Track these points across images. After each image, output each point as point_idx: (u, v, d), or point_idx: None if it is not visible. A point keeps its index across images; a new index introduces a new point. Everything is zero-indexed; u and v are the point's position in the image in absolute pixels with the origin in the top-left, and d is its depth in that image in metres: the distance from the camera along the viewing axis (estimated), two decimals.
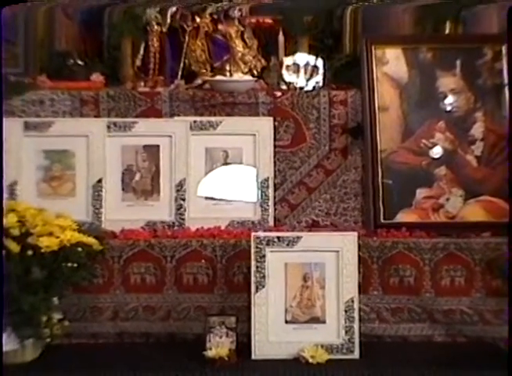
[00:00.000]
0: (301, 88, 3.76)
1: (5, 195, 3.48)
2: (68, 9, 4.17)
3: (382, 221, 3.55)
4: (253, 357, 3.19)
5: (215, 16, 3.97)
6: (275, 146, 3.66)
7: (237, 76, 3.84)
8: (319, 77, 3.80)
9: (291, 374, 3.10)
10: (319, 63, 3.82)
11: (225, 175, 3.65)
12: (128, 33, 3.97)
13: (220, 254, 3.39)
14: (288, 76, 3.79)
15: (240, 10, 3.96)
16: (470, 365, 3.13)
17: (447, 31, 3.93)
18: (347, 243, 3.26)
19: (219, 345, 3.16)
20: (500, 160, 3.58)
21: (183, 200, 3.59)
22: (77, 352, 3.27)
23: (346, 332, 3.22)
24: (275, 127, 3.67)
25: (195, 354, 3.17)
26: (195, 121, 3.64)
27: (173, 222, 3.57)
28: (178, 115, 3.70)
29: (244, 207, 3.63)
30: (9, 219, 3.09)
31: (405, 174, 3.60)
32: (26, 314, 3.07)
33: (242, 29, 3.95)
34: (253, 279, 3.23)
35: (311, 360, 3.14)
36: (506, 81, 3.63)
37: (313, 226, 3.64)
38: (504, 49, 3.64)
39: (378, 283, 3.40)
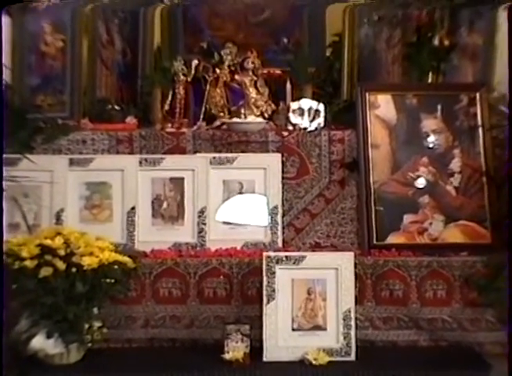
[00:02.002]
0: (305, 129, 3.77)
1: (52, 221, 3.55)
2: (108, 61, 4.21)
3: (375, 242, 3.54)
4: (264, 359, 3.20)
5: (232, 68, 4.01)
6: (282, 178, 3.66)
7: (251, 118, 3.89)
8: (320, 120, 3.80)
9: (297, 374, 3.12)
10: (321, 107, 3.82)
11: (240, 203, 3.66)
12: (158, 82, 3.99)
13: (236, 271, 3.40)
14: (294, 118, 3.79)
15: (254, 63, 4.00)
16: (450, 365, 3.16)
17: (429, 80, 3.93)
18: (345, 261, 3.27)
19: (235, 349, 3.17)
20: (475, 190, 3.59)
21: (204, 224, 3.59)
22: (114, 355, 3.28)
23: (344, 338, 3.22)
24: (282, 162, 3.67)
25: (215, 357, 3.18)
26: (214, 157, 3.65)
27: (196, 244, 3.57)
28: (200, 152, 3.71)
29: (257, 230, 3.63)
30: (56, 241, 3.12)
31: (394, 202, 3.59)
32: (70, 322, 3.10)
33: (255, 78, 4.00)
34: (264, 292, 3.23)
35: (314, 362, 3.15)
36: (479, 122, 3.64)
37: (316, 247, 3.63)
38: (478, 95, 3.67)
39: (371, 296, 3.39)
